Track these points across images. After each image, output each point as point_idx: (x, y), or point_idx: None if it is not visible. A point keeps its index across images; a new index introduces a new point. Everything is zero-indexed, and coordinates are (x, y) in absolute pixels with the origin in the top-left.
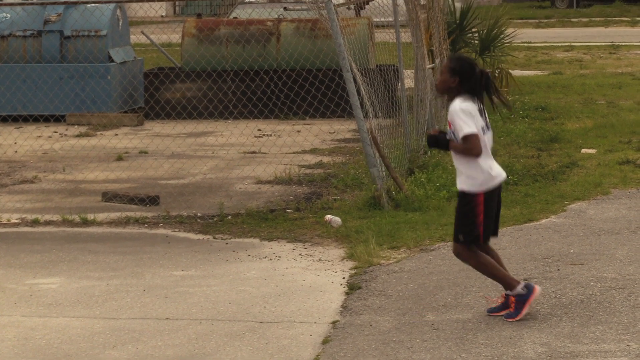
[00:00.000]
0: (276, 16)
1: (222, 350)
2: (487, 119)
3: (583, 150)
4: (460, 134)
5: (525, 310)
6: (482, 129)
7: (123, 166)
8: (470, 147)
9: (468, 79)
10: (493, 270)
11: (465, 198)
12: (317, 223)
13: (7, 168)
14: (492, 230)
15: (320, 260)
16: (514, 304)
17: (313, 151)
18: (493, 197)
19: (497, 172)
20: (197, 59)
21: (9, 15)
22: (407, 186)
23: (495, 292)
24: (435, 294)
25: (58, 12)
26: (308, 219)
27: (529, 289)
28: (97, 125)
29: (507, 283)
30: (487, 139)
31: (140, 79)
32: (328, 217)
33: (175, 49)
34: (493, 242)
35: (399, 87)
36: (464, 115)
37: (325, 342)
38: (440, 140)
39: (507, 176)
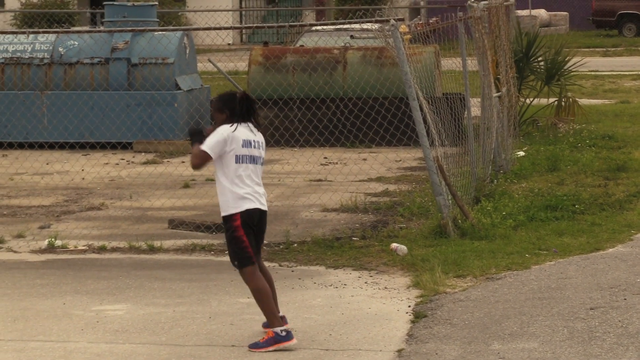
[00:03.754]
0: (342, 44)
1: None
2: (261, 152)
3: None
4: (203, 144)
5: (271, 349)
6: (242, 157)
7: (189, 193)
8: (195, 154)
9: (233, 107)
10: (265, 301)
11: (227, 224)
12: (382, 251)
13: (74, 195)
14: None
15: (385, 288)
16: (267, 338)
17: (379, 179)
18: (251, 220)
19: (250, 204)
20: (264, 86)
21: (76, 43)
22: (473, 215)
23: (562, 322)
24: (501, 323)
25: (125, 39)
26: (374, 247)
27: (288, 336)
28: (163, 153)
29: (271, 320)
30: (243, 169)
31: (207, 107)
32: (394, 245)
33: (242, 76)
34: (560, 272)
35: (465, 116)
36: (216, 136)
37: None
38: (196, 136)
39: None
